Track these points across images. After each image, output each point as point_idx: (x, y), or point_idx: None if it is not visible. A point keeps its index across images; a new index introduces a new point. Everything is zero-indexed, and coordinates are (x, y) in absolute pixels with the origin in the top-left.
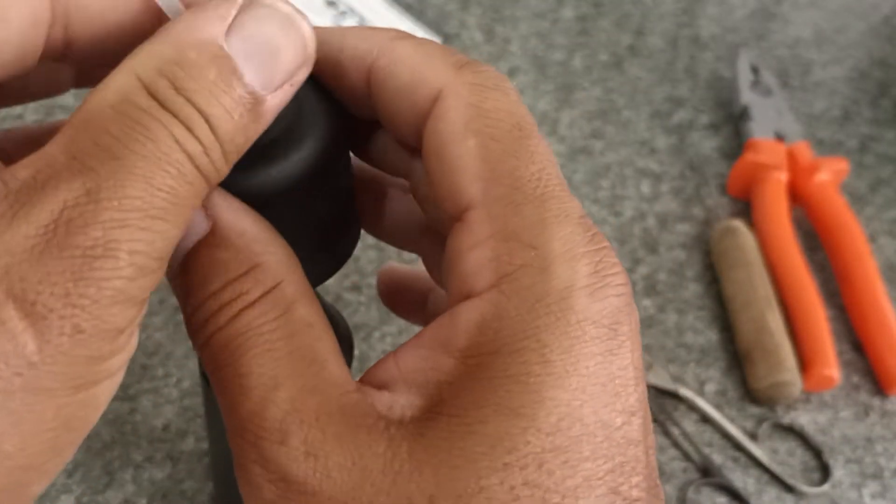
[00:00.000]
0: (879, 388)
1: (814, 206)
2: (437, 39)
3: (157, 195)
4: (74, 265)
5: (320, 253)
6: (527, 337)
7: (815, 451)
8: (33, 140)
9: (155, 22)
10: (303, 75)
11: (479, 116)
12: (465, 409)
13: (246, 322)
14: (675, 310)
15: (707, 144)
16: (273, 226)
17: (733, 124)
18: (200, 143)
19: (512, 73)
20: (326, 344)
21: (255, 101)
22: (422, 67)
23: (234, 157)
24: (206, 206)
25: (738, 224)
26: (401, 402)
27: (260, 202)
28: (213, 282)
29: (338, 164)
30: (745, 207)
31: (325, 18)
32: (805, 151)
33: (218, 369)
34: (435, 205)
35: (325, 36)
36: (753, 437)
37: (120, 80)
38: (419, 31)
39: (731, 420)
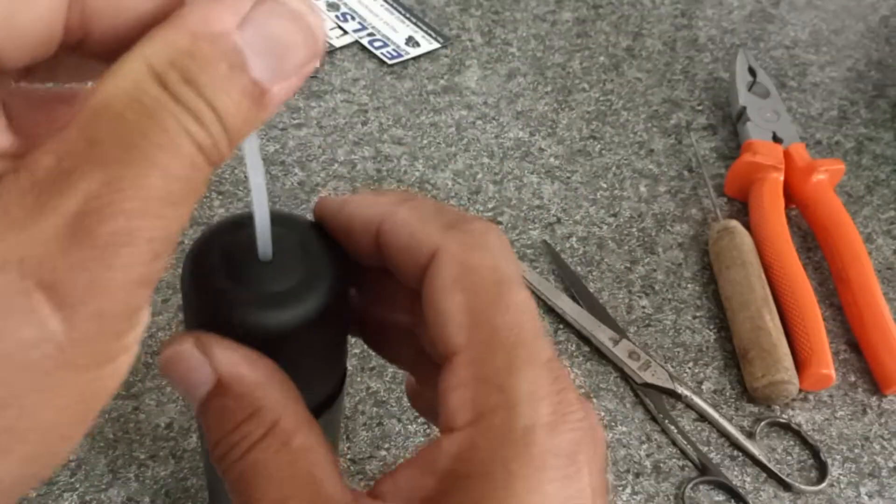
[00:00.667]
0: (876, 387)
1: (810, 207)
2: (437, 42)
3: (173, 184)
4: (99, 254)
5: (322, 380)
6: (494, 466)
7: (813, 450)
8: (43, 102)
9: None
10: (310, 68)
11: (465, 273)
12: None
13: (254, 457)
14: (672, 309)
15: (705, 145)
16: (282, 358)
17: (731, 125)
18: (210, 134)
19: (511, 74)
20: (324, 466)
21: (262, 93)
22: (418, 230)
23: (237, 142)
24: (211, 360)
25: (736, 224)
26: None
27: (273, 339)
28: (225, 425)
29: (344, 307)
30: (743, 208)
31: (326, 21)
32: (802, 152)
33: (237, 495)
34: (431, 346)
35: (337, 205)
36: (751, 435)
37: (133, 68)
38: (419, 34)
39: (729, 419)
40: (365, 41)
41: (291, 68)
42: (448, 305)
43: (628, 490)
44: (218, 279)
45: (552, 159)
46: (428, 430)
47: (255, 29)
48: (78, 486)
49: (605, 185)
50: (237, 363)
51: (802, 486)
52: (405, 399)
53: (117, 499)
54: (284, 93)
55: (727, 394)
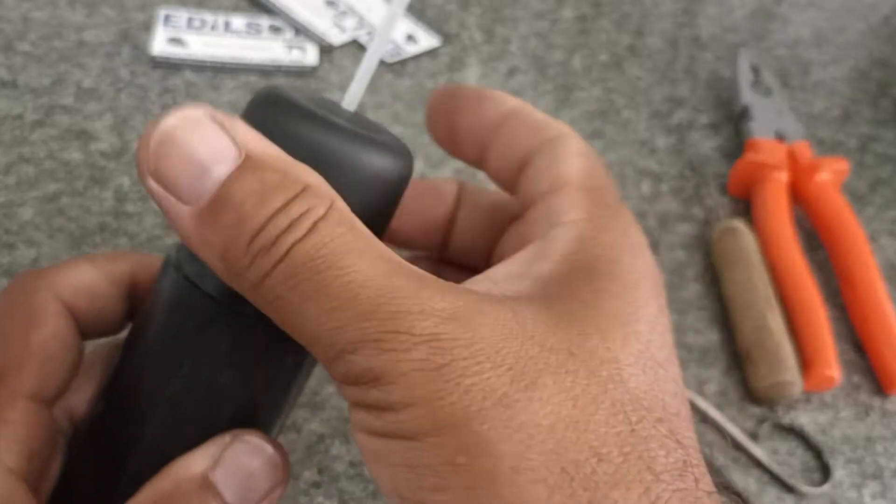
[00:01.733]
0: (880, 388)
1: (814, 206)
2: (437, 39)
3: None
4: None
5: None
6: (618, 252)
7: (816, 451)
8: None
9: None
10: (278, 493)
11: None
12: (579, 291)
13: (325, 233)
14: (675, 310)
15: (707, 144)
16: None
17: (733, 124)
18: None
19: (511, 73)
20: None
21: None
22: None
23: None
24: (234, 135)
25: (739, 224)
26: (506, 291)
27: (359, 179)
28: (271, 202)
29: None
30: (746, 207)
31: (324, 19)
32: (805, 151)
33: (304, 281)
34: (530, 183)
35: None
36: (754, 437)
37: None
38: (419, 31)
39: (732, 420)
40: (364, 39)
41: (259, 495)
42: (572, 160)
43: None
44: (304, 104)
45: None
46: None
47: (226, 467)
48: None
49: None
50: (268, 143)
51: (805, 488)
52: None
53: None
54: None
55: (730, 395)
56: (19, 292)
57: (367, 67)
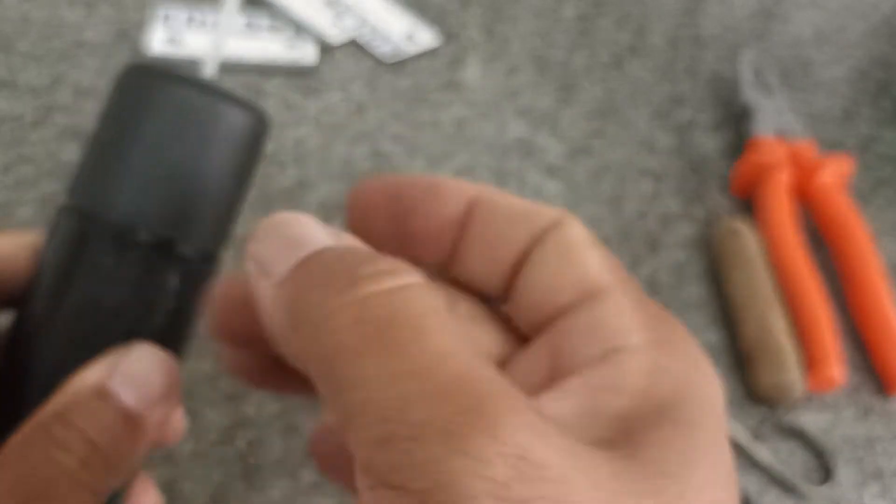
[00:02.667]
0: (882, 389)
1: (817, 206)
2: (437, 39)
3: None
4: None
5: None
6: (691, 388)
7: (817, 452)
8: None
9: None
10: (174, 398)
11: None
12: (666, 439)
13: (414, 295)
14: (676, 310)
15: (709, 144)
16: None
17: (735, 123)
18: (79, 457)
19: (512, 72)
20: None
21: (135, 417)
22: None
23: (117, 462)
24: (328, 229)
25: (741, 224)
26: (582, 436)
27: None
28: (365, 263)
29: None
30: (748, 207)
31: (324, 18)
32: (808, 150)
33: (375, 332)
34: (535, 295)
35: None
36: (755, 437)
37: (29, 426)
38: (419, 30)
39: (734, 420)
40: (363, 38)
41: (156, 395)
42: (587, 253)
43: None
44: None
45: (554, 157)
46: None
47: (121, 373)
48: None
49: (607, 184)
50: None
51: (807, 489)
52: None
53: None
54: (156, 418)
55: (732, 396)
56: None
57: (220, 31)
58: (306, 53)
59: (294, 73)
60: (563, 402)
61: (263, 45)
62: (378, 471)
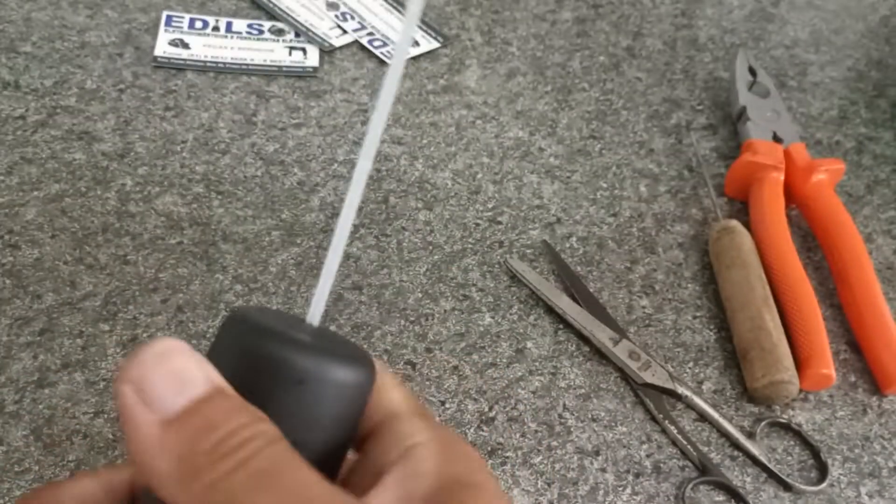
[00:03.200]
0: (876, 387)
1: (811, 207)
2: (436, 42)
3: None
4: None
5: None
6: (475, 461)
7: (813, 450)
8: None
9: None
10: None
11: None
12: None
13: (278, 452)
14: (672, 309)
15: (705, 145)
16: (305, 412)
17: (731, 125)
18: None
19: (511, 74)
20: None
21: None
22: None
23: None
24: (206, 368)
25: (736, 224)
26: None
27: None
28: (238, 418)
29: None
30: (743, 208)
31: (326, 21)
32: (802, 152)
33: (267, 479)
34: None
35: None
36: (751, 435)
37: None
38: (419, 33)
39: (729, 419)
40: (364, 40)
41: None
42: (394, 392)
43: (628, 490)
44: (270, 324)
45: (552, 159)
46: None
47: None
48: None
49: (605, 185)
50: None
51: (803, 487)
52: None
53: None
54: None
55: (727, 394)
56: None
57: (325, 278)
58: (308, 56)
59: (296, 75)
60: (384, 495)
61: (266, 48)
62: None
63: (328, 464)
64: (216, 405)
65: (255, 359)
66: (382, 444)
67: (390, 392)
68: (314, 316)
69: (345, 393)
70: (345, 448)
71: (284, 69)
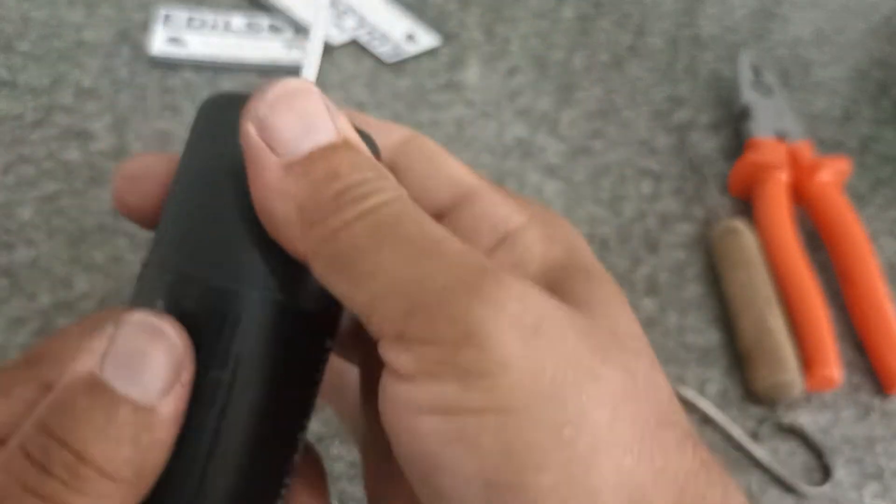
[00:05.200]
0: (881, 389)
1: (815, 206)
2: (437, 39)
3: None
4: None
5: None
6: (579, 248)
7: (817, 452)
8: None
9: None
10: (187, 375)
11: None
12: (591, 301)
13: (403, 207)
14: (675, 310)
15: (708, 144)
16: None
17: (734, 124)
18: (93, 493)
19: (512, 72)
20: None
21: (146, 414)
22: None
23: (150, 472)
24: (335, 118)
25: (739, 224)
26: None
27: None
28: (363, 171)
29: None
30: (746, 207)
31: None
32: (806, 151)
33: (390, 230)
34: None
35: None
36: (755, 437)
37: (4, 453)
38: (419, 31)
39: (732, 420)
40: (363, 38)
41: (160, 379)
42: (451, 161)
43: None
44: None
45: (553, 158)
46: None
47: (115, 356)
48: None
49: (607, 184)
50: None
51: (806, 488)
52: None
53: None
54: (173, 406)
55: (731, 395)
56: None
57: (312, 49)
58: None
59: (294, 73)
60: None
61: (264, 46)
62: (412, 335)
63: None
64: (342, 155)
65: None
66: (471, 229)
67: (446, 161)
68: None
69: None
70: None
71: (282, 67)
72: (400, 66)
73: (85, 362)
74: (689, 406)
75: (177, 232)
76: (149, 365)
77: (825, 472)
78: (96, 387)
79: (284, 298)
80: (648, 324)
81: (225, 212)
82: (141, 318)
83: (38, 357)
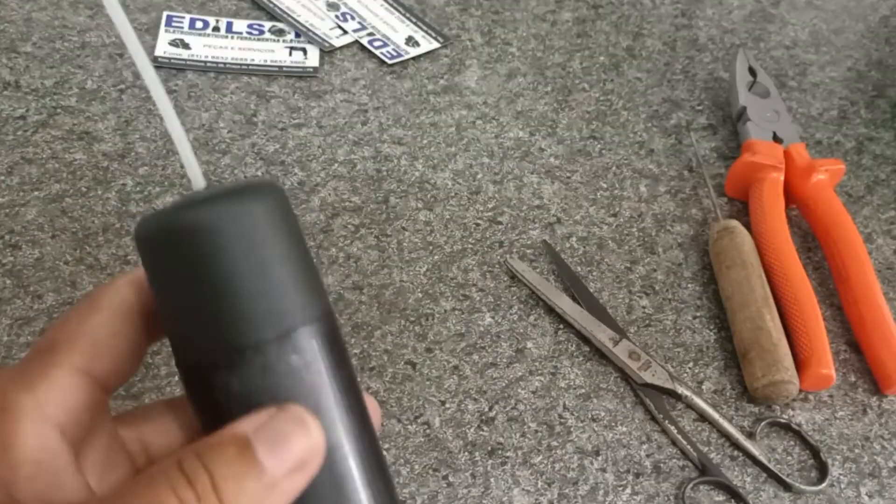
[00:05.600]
0: (876, 387)
1: (811, 207)
2: (437, 42)
3: None
4: None
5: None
6: None
7: (813, 450)
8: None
9: None
10: (312, 466)
11: None
12: None
13: None
14: (672, 309)
15: (705, 145)
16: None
17: (731, 125)
18: (197, 496)
19: (511, 74)
20: None
21: (270, 479)
22: None
23: None
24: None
25: (736, 224)
26: None
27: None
28: None
29: (291, 219)
30: (743, 208)
31: (326, 21)
32: (802, 152)
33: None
34: None
35: None
36: (751, 435)
37: (164, 461)
38: (419, 33)
39: (729, 419)
40: (365, 41)
41: (291, 456)
42: None
43: (628, 490)
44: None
45: (552, 159)
46: (427, 431)
47: (266, 430)
48: None
49: (605, 185)
50: None
51: (803, 487)
52: (405, 399)
53: None
54: (291, 485)
55: (727, 394)
56: (89, 292)
57: (178, 140)
58: (308, 56)
59: (296, 76)
60: None
61: (266, 48)
62: None
63: (308, 273)
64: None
65: (174, 235)
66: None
67: None
68: (195, 179)
69: (261, 216)
70: (309, 262)
71: (285, 69)
72: (401, 68)
73: (247, 425)
74: (686, 404)
75: (207, 324)
76: (288, 447)
77: (822, 471)
78: (246, 446)
79: (326, 311)
80: (646, 323)
81: (241, 286)
82: (295, 411)
83: (52, 343)
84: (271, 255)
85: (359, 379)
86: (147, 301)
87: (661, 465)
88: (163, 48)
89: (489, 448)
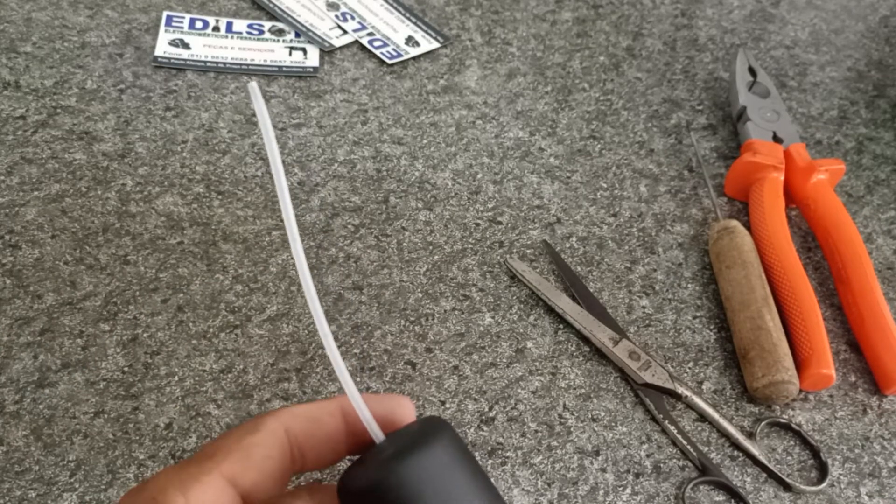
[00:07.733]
0: (876, 387)
1: (811, 207)
2: (437, 42)
3: None
4: None
5: None
6: None
7: (813, 450)
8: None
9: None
10: None
11: None
12: None
13: None
14: (672, 309)
15: (705, 145)
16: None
17: (731, 125)
18: None
19: (511, 74)
20: None
21: None
22: None
23: None
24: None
25: (736, 224)
26: None
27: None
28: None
29: (462, 450)
30: (743, 208)
31: (326, 21)
32: (802, 152)
33: None
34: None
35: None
36: (751, 435)
37: None
38: (419, 33)
39: (729, 419)
40: (365, 41)
41: None
42: None
43: (628, 490)
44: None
45: (552, 159)
46: None
47: None
48: (77, 486)
49: (605, 185)
50: None
51: (803, 487)
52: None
53: (117, 499)
54: None
55: (727, 394)
56: (257, 415)
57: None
58: (308, 56)
59: (296, 76)
60: None
61: (266, 48)
62: None
63: (492, 492)
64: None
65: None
66: None
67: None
68: (376, 434)
69: (446, 460)
70: (489, 484)
71: (285, 69)
72: (401, 68)
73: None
74: (686, 404)
75: None
76: None
77: (822, 471)
78: None
79: None
80: (646, 323)
81: None
82: None
83: (212, 452)
84: (464, 491)
85: (359, 379)
86: (301, 435)
87: (661, 465)
88: (163, 48)
89: (489, 448)
